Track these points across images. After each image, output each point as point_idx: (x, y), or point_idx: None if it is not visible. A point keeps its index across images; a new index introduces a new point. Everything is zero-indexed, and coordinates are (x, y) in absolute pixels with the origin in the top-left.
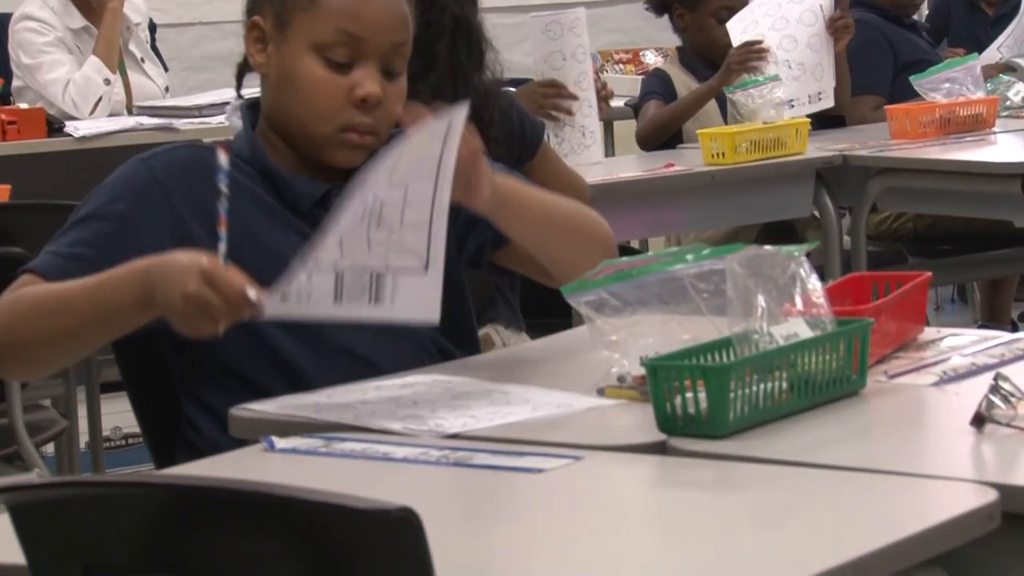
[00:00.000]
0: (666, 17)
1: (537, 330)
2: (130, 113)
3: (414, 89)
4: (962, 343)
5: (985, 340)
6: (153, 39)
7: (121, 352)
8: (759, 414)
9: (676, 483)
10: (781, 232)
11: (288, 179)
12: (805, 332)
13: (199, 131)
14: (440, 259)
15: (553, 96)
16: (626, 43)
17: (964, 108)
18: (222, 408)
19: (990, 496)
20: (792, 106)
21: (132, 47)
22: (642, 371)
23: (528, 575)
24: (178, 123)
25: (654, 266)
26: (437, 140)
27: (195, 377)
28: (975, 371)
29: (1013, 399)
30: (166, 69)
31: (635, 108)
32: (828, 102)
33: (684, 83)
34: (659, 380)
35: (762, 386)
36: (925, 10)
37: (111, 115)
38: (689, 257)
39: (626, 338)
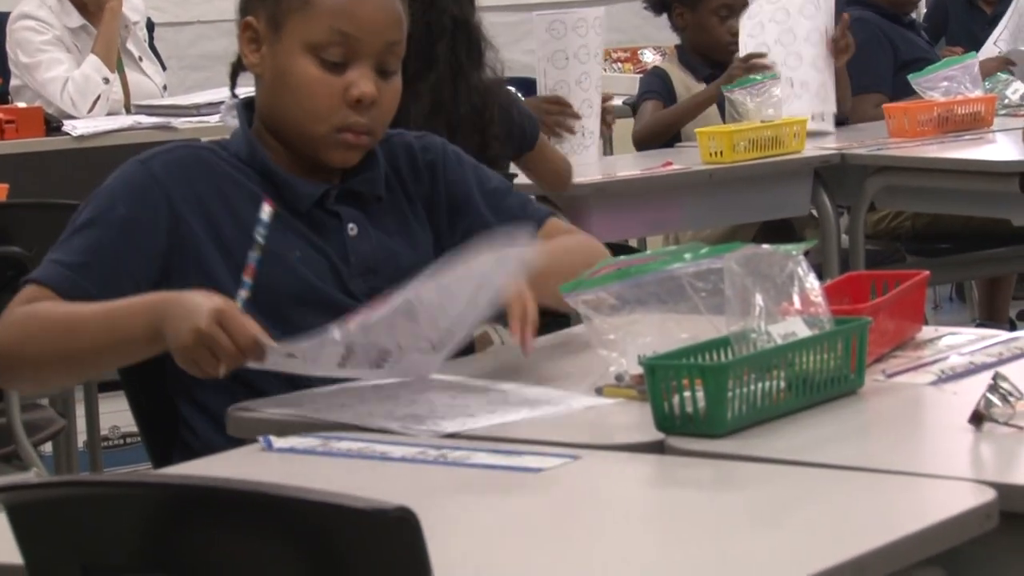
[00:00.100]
0: (664, 16)
1: None
2: (128, 112)
3: (415, 90)
4: (960, 342)
5: (983, 339)
6: (151, 38)
7: None
8: (757, 413)
9: (674, 482)
10: (779, 231)
11: (287, 180)
12: (803, 331)
13: (197, 130)
14: (451, 348)
15: (557, 114)
16: (624, 42)
17: (962, 107)
18: (218, 409)
19: (988, 495)
20: None
21: (130, 46)
22: (640, 370)
23: (526, 575)
24: (176, 122)
25: (652, 265)
26: (496, 272)
27: (191, 377)
28: (973, 370)
29: (1011, 398)
30: (164, 68)
31: (633, 107)
32: (828, 125)
33: (683, 82)
34: (657, 379)
35: (760, 385)
36: (923, 9)
37: (109, 114)
38: (687, 256)
39: (624, 337)
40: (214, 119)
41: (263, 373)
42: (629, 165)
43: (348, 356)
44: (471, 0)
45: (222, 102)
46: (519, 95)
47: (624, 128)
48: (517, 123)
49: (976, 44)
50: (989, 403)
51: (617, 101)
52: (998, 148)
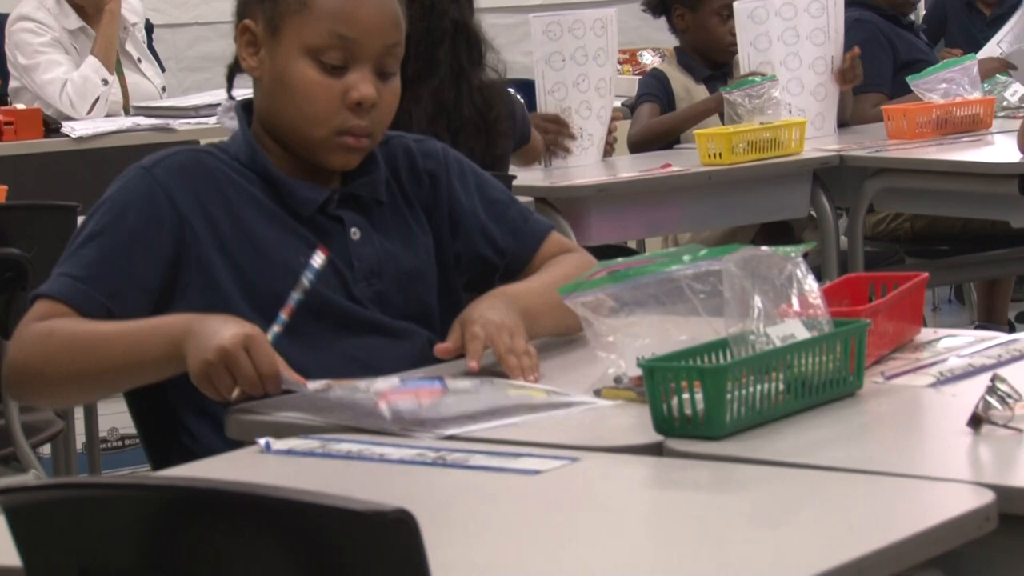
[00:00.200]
0: (663, 18)
1: None
2: (127, 113)
3: (417, 93)
4: (959, 344)
5: (982, 341)
6: (150, 39)
7: None
8: (756, 415)
9: (673, 484)
10: (778, 232)
11: (289, 184)
12: (802, 333)
13: (196, 131)
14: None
15: (553, 132)
16: (623, 43)
17: (961, 108)
18: (217, 412)
19: (987, 497)
20: None
21: (129, 47)
22: (639, 372)
23: None
24: (175, 123)
25: (651, 267)
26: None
27: (191, 381)
28: (972, 372)
29: (1010, 400)
30: (163, 69)
31: (632, 109)
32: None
33: (682, 83)
34: (656, 381)
35: (759, 387)
36: (922, 10)
37: (108, 115)
38: (686, 258)
39: (623, 339)
40: (213, 120)
41: None
42: (628, 167)
43: (357, 414)
44: (470, 2)
45: (220, 104)
46: (519, 97)
47: (624, 130)
48: (520, 120)
49: (975, 46)
50: (988, 405)
51: (616, 102)
52: (997, 150)
